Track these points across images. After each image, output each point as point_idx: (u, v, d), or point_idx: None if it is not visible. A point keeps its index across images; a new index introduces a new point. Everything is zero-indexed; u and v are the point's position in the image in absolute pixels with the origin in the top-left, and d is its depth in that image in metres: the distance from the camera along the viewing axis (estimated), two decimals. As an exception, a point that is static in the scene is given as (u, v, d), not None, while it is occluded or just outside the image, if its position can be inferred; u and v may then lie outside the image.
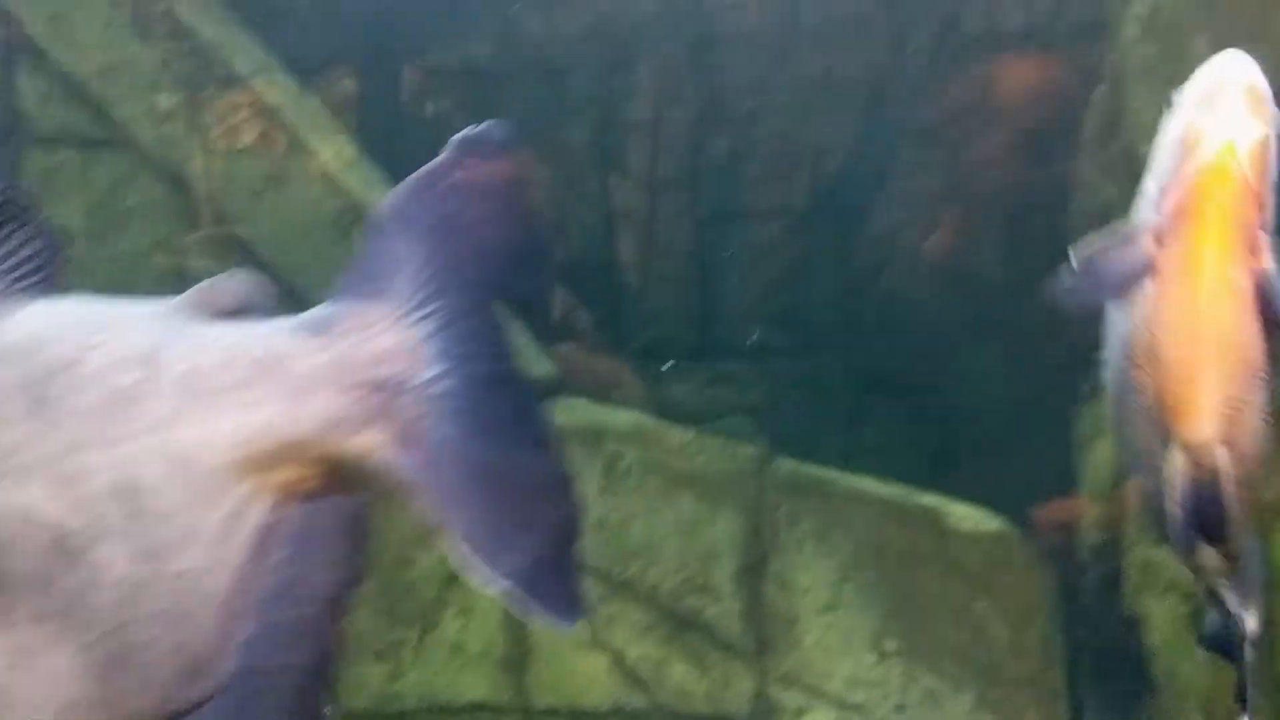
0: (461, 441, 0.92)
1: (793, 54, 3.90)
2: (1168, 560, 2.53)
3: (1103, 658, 2.76)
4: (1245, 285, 1.55)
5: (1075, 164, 2.77)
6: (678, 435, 2.94)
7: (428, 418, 0.92)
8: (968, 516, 2.82)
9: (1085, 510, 2.66)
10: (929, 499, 2.86)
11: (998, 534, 2.80)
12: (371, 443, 0.92)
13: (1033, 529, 2.75)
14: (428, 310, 0.95)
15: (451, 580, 2.96)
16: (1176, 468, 1.60)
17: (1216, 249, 1.54)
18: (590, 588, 2.70)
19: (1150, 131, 2.58)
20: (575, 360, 3.04)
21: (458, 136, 0.98)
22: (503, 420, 0.94)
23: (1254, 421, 1.60)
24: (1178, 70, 2.55)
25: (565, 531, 0.97)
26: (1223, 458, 1.57)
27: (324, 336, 0.94)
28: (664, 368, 3.39)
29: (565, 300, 3.45)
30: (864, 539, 2.86)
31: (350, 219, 2.99)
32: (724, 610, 2.90)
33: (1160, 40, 2.62)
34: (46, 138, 3.11)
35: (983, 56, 3.62)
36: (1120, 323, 1.66)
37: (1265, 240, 1.59)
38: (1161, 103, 2.43)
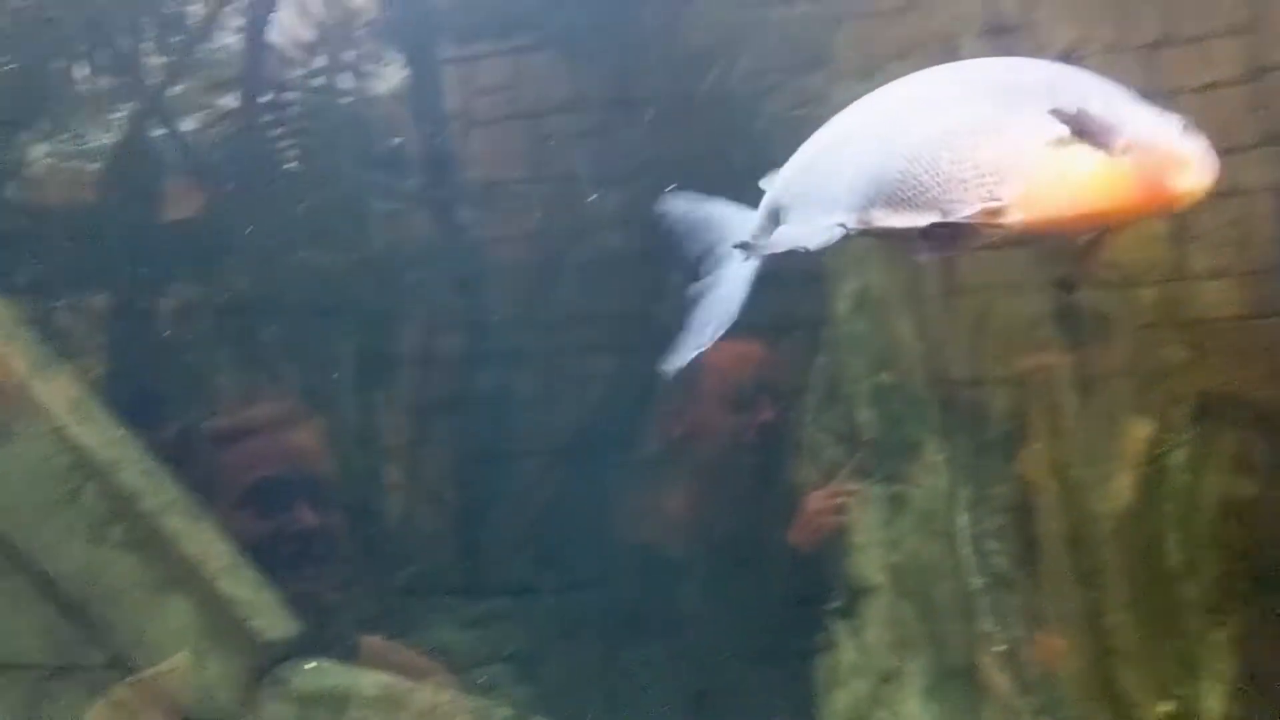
0: None
1: (559, 292, 3.94)
2: None
3: None
4: None
5: (801, 426, 2.92)
6: (428, 697, 2.83)
7: None
8: None
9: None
10: None
11: None
12: None
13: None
14: None
15: None
16: None
17: None
18: None
19: (865, 399, 2.79)
20: (380, 650, 2.88)
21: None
22: None
23: None
24: (884, 341, 2.80)
25: None
26: None
27: None
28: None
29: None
30: None
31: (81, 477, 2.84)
32: None
33: (868, 317, 2.86)
34: None
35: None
36: None
37: None
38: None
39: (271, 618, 2.79)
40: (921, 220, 1.46)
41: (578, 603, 3.43)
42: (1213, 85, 2.53)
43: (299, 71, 4.32)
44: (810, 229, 1.62)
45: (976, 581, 2.54)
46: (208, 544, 2.80)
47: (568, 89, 3.94)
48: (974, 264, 2.73)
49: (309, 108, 4.28)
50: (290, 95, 4.06)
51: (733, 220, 1.81)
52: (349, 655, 2.77)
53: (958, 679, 2.60)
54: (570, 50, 3.89)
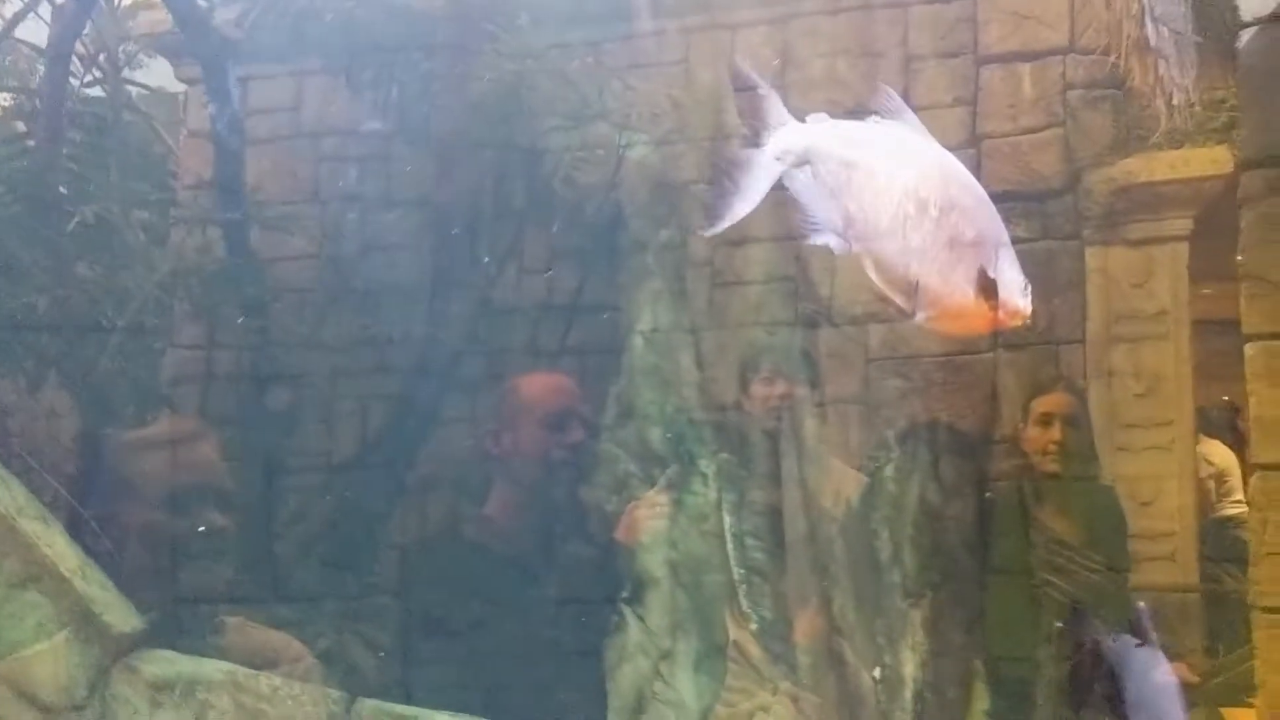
0: None
1: (343, 313, 4.12)
2: None
3: None
4: None
5: (597, 441, 3.42)
6: (267, 682, 3.01)
7: None
8: None
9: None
10: None
11: None
12: None
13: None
14: None
15: None
16: None
17: None
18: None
19: (656, 420, 3.30)
20: (244, 630, 3.13)
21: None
22: None
23: None
24: (672, 372, 3.33)
25: None
26: None
27: None
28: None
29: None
30: None
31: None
32: None
33: (657, 351, 3.40)
34: None
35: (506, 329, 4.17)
36: None
37: None
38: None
39: (121, 613, 3.03)
40: (892, 297, 2.00)
41: (373, 607, 3.67)
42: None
43: (75, 84, 4.32)
44: (817, 212, 2.03)
45: (738, 572, 3.12)
46: (59, 547, 3.00)
47: (349, 115, 4.11)
48: (742, 304, 3.34)
49: (87, 123, 4.30)
50: (67, 109, 4.01)
51: (779, 123, 2.13)
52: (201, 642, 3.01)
53: (721, 654, 3.16)
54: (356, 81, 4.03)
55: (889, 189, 2.06)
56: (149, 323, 4.04)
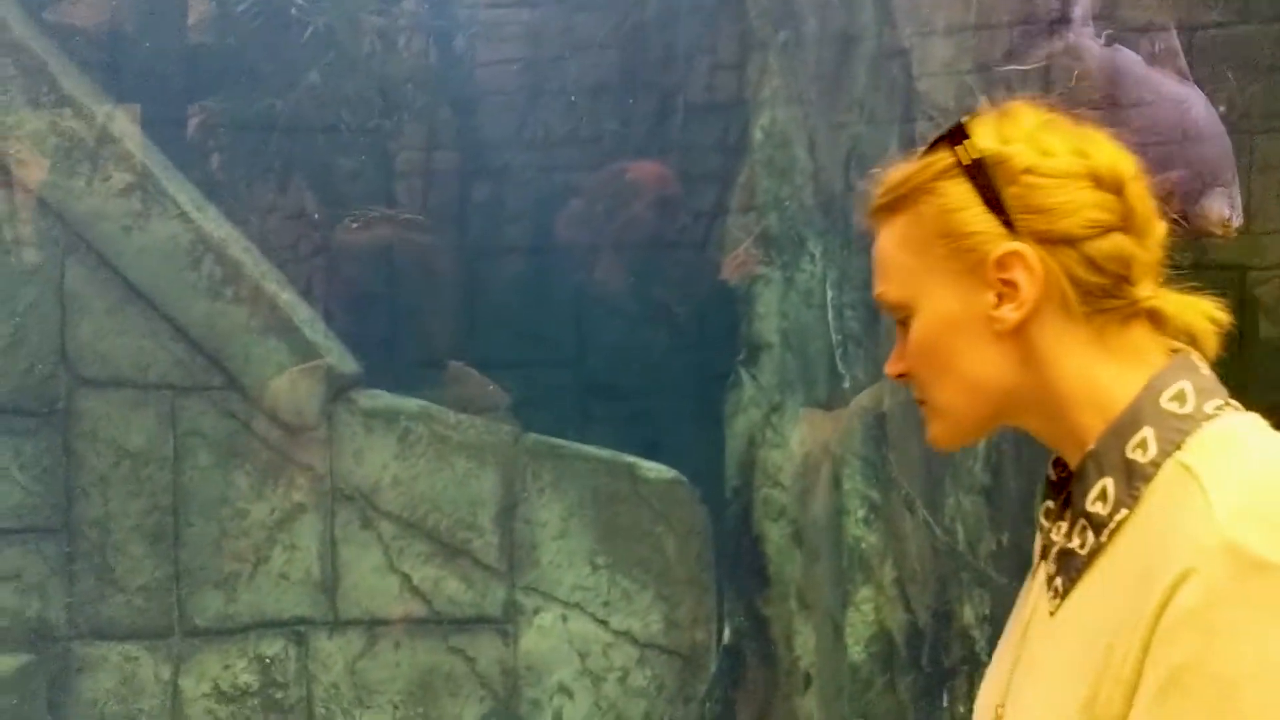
0: None
1: (539, 113, 4.48)
2: (777, 498, 3.69)
3: (737, 563, 3.63)
4: None
5: (724, 223, 3.92)
6: (453, 416, 3.75)
7: None
8: (653, 469, 3.67)
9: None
10: (628, 458, 3.69)
11: (672, 480, 3.66)
12: None
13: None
14: None
15: (278, 525, 3.82)
16: None
17: None
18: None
19: (771, 206, 3.74)
20: (458, 374, 3.79)
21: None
22: None
23: None
24: (788, 161, 3.74)
25: None
26: None
27: None
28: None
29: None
30: (585, 487, 3.67)
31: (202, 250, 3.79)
32: (486, 542, 3.66)
33: (776, 143, 3.74)
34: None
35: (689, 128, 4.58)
36: None
37: None
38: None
39: (341, 357, 3.85)
40: None
41: (553, 374, 4.27)
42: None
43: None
44: None
45: (836, 338, 3.61)
46: (293, 303, 3.83)
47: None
48: (849, 101, 3.69)
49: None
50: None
51: None
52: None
53: (822, 407, 3.70)
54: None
55: None
56: (379, 124, 4.59)
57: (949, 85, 3.32)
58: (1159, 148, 2.75)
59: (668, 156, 4.04)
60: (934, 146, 1.04)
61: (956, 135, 1.02)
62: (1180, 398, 0.98)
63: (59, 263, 3.69)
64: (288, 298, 3.81)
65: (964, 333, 1.02)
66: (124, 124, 3.77)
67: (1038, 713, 0.98)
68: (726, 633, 3.67)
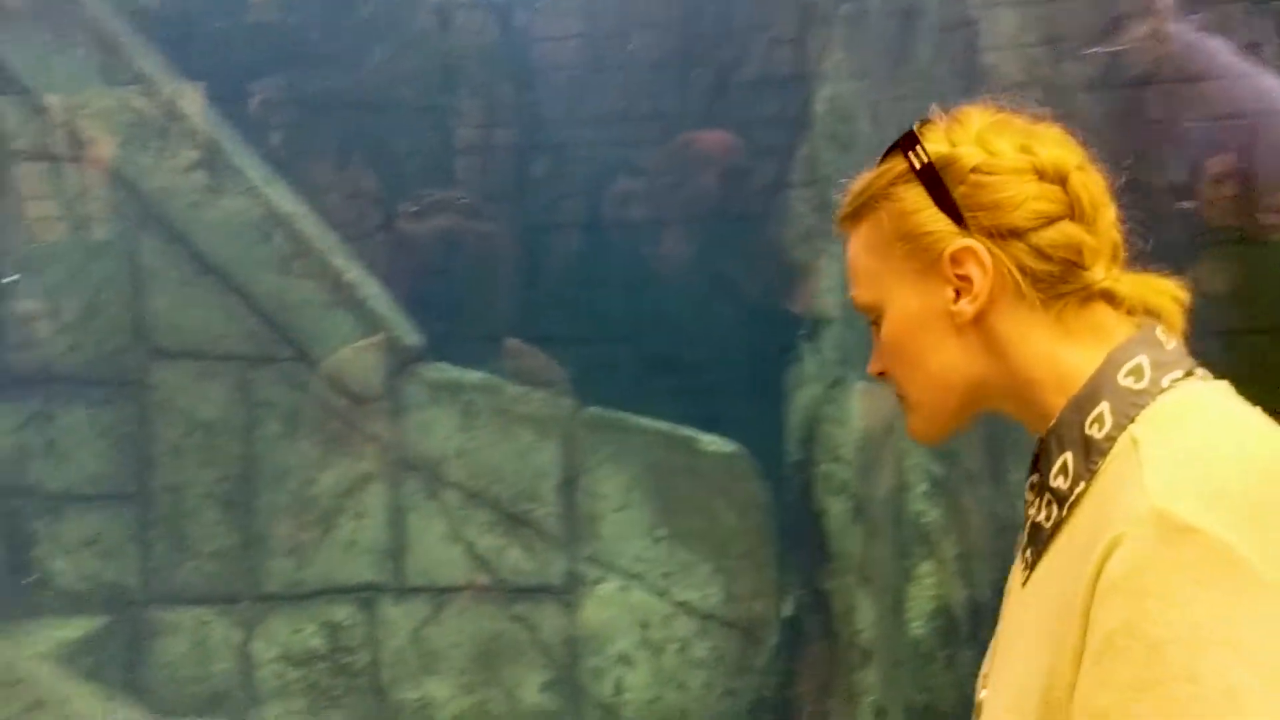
0: None
1: (597, 88, 4.49)
2: (838, 472, 3.69)
3: (798, 537, 3.63)
4: None
5: (786, 197, 3.91)
6: (515, 389, 3.78)
7: None
8: (713, 443, 3.68)
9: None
10: (688, 431, 3.71)
11: (732, 454, 3.68)
12: None
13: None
14: None
15: (346, 494, 3.89)
16: None
17: None
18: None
19: (834, 179, 3.73)
20: (518, 350, 3.83)
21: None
22: None
23: None
24: (850, 137, 3.73)
25: None
26: None
27: None
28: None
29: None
30: (645, 460, 3.70)
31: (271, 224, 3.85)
32: (548, 512, 3.71)
33: (838, 116, 3.71)
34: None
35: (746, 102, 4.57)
36: None
37: None
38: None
39: (406, 330, 3.90)
40: None
41: (610, 349, 4.28)
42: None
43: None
44: None
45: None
46: (359, 277, 3.89)
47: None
48: (914, 71, 3.66)
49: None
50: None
51: None
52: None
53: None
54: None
55: None
56: (438, 101, 4.66)
57: (1017, 58, 3.30)
58: (1241, 130, 2.72)
59: (725, 131, 4.04)
60: (889, 154, 1.10)
61: (908, 142, 1.08)
62: (1137, 372, 1.01)
63: (133, 237, 3.77)
64: (354, 272, 3.87)
65: (928, 328, 1.07)
66: (193, 101, 3.83)
67: (1009, 680, 1.01)
68: (787, 606, 3.69)
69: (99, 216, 3.81)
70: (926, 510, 3.49)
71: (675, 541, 3.74)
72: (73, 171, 3.78)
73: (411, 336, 3.87)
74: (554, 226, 4.51)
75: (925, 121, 1.10)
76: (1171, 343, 1.04)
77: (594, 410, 3.81)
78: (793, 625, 3.68)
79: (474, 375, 3.84)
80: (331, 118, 4.28)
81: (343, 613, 3.78)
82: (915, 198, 1.07)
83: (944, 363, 1.07)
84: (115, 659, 3.77)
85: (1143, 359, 1.01)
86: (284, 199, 3.85)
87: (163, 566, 3.81)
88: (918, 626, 3.48)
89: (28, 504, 3.78)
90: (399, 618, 3.77)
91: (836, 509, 3.60)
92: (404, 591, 3.77)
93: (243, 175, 3.78)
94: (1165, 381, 1.01)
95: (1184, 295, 1.06)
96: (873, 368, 1.15)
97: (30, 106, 3.72)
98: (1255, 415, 1.01)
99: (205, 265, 3.75)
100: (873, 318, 1.13)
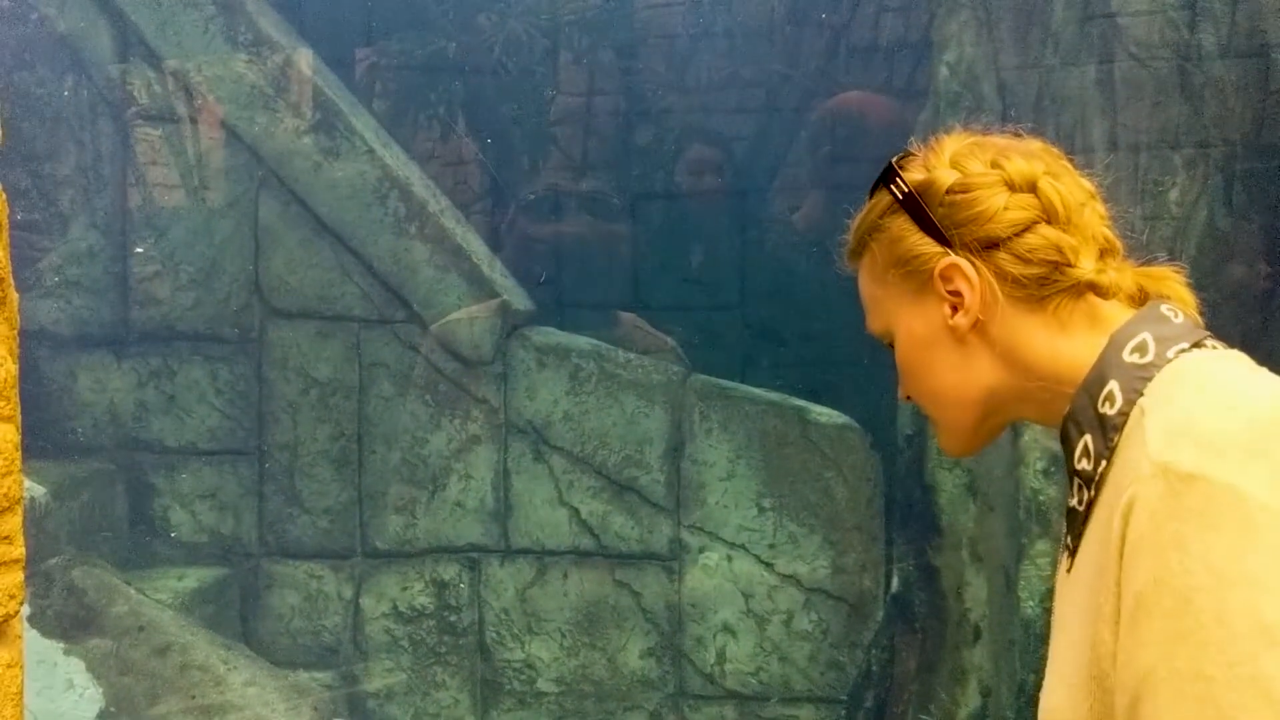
0: None
1: (705, 57, 4.47)
2: None
3: (908, 512, 3.59)
4: None
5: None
6: (623, 355, 3.79)
7: None
8: (823, 414, 3.66)
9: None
10: (798, 401, 3.69)
11: (843, 425, 3.66)
12: None
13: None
14: None
15: (455, 455, 3.94)
16: None
17: None
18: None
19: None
20: (630, 321, 3.88)
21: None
22: None
23: None
24: (974, 101, 3.64)
25: None
26: None
27: None
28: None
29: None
30: (752, 429, 3.68)
31: (387, 187, 3.91)
32: (653, 479, 3.73)
33: (961, 81, 3.67)
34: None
35: (853, 69, 4.49)
36: None
37: None
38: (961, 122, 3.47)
39: (517, 295, 3.92)
40: None
41: (722, 317, 4.27)
42: None
43: None
44: None
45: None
46: (473, 244, 3.91)
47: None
48: (1039, 39, 3.55)
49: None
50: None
51: None
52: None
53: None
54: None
55: None
56: (541, 68, 4.69)
57: (1155, 23, 3.17)
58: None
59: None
60: (874, 191, 1.16)
61: (888, 176, 1.14)
62: (1142, 348, 1.04)
63: (253, 197, 3.84)
64: (466, 236, 3.89)
65: (934, 345, 1.13)
66: (312, 63, 3.88)
67: (1060, 664, 1.05)
68: (895, 581, 3.64)
69: (219, 178, 3.88)
70: (1043, 488, 3.40)
71: (782, 512, 3.73)
72: (193, 134, 3.86)
73: (522, 301, 3.89)
74: (658, 195, 4.47)
75: (904, 155, 1.15)
76: (1179, 317, 1.07)
77: (702, 378, 3.81)
78: (900, 601, 3.63)
79: (582, 340, 3.85)
80: (438, 82, 4.32)
81: (450, 572, 3.83)
82: (901, 225, 1.13)
83: (955, 377, 1.12)
84: (231, 610, 3.88)
85: (1146, 335, 1.05)
86: (398, 162, 3.87)
87: (277, 521, 3.91)
88: (1030, 606, 3.39)
89: (149, 458, 3.89)
90: (504, 579, 3.82)
91: (949, 484, 3.54)
92: (509, 553, 3.82)
93: (359, 138, 3.82)
94: (1170, 353, 1.03)
95: (1182, 278, 1.11)
96: (901, 393, 1.19)
97: (153, 70, 3.80)
98: (1264, 375, 1.03)
99: (322, 226, 3.80)
100: (887, 344, 1.18)
